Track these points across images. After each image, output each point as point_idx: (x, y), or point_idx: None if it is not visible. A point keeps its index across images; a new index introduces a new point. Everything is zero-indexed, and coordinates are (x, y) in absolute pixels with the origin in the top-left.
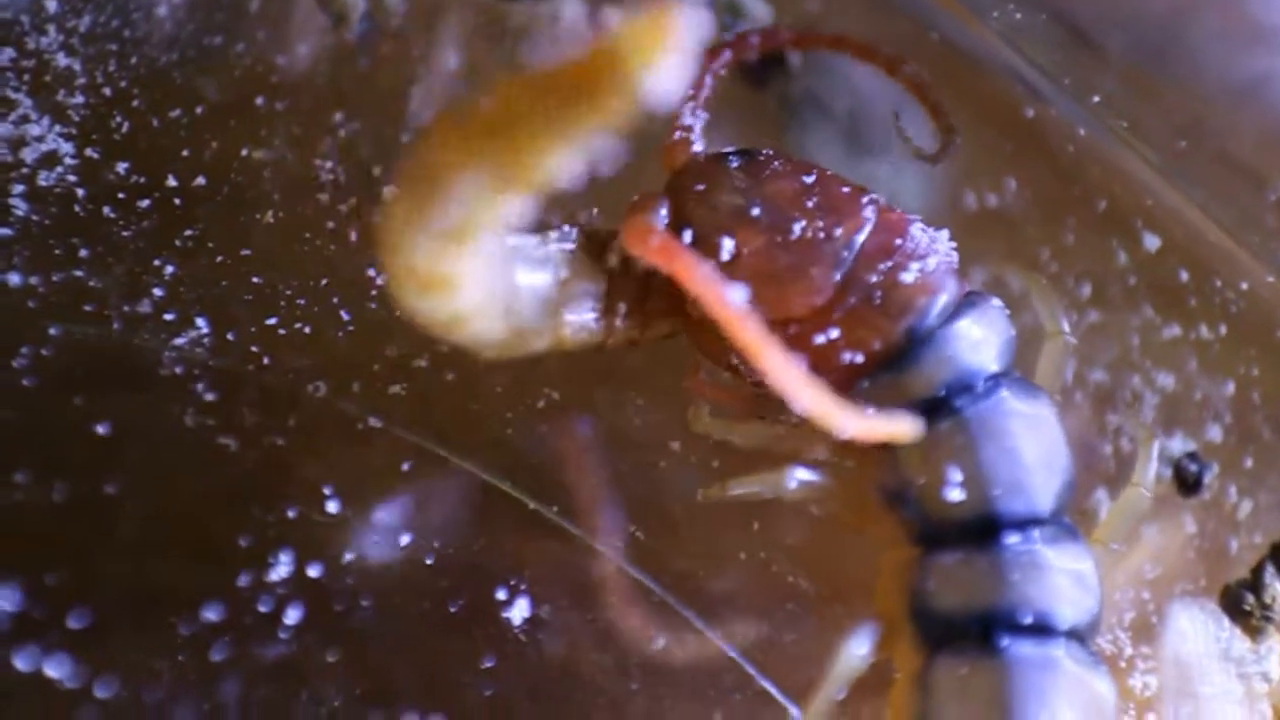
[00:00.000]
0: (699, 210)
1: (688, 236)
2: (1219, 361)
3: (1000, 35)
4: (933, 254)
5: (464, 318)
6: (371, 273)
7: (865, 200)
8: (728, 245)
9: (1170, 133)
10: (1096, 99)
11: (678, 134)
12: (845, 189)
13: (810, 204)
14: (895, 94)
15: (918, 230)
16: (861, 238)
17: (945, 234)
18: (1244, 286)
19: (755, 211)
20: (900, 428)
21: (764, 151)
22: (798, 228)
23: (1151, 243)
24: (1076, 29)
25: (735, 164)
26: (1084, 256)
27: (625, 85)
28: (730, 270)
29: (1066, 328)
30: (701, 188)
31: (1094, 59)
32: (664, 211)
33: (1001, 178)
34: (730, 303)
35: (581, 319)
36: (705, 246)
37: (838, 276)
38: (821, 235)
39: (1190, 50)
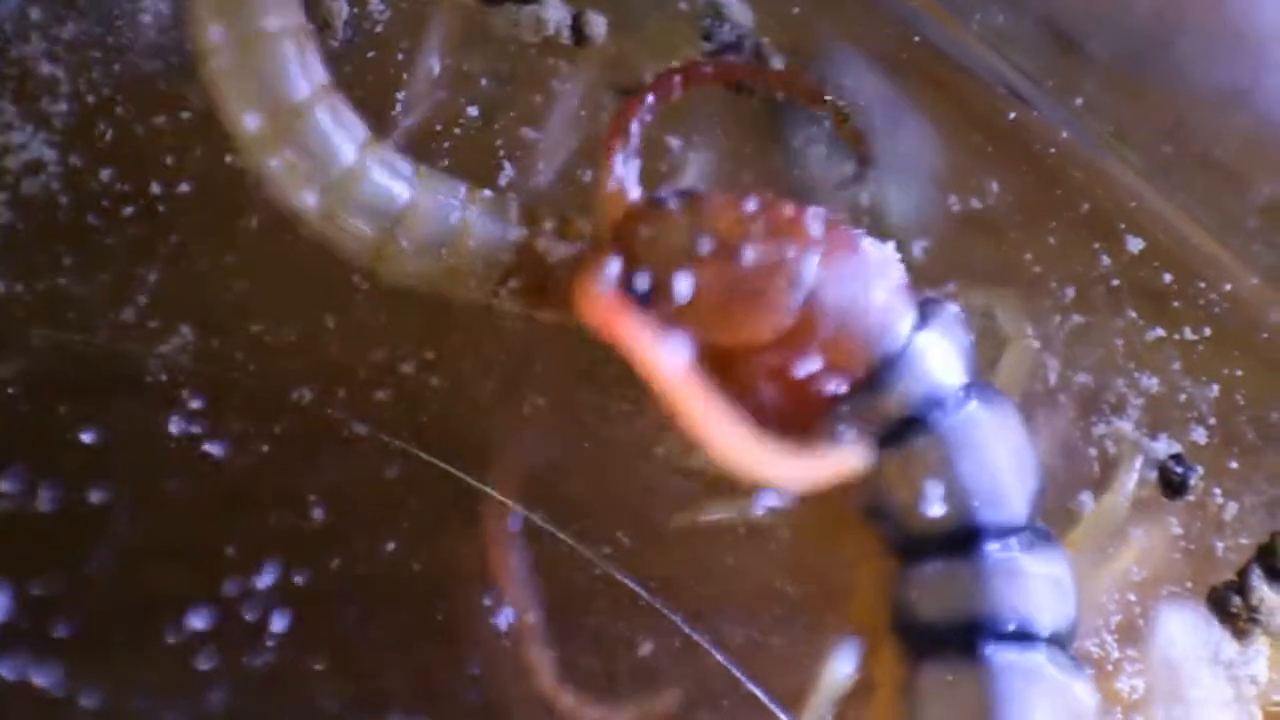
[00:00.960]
0: (649, 254)
1: (643, 282)
2: (1203, 364)
3: (983, 39)
4: (885, 267)
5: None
6: (357, 279)
7: (810, 217)
8: (684, 283)
9: (1153, 136)
10: (1079, 102)
11: (612, 184)
12: (788, 209)
13: (756, 229)
14: (882, 98)
15: (868, 244)
16: (815, 254)
17: (892, 245)
18: (1227, 289)
19: (704, 246)
20: (846, 462)
21: (698, 188)
22: (749, 253)
23: (1135, 245)
24: (1060, 32)
25: (674, 204)
26: (1067, 259)
27: None
28: (691, 307)
29: (1026, 328)
30: (647, 232)
31: (1077, 62)
32: (613, 267)
33: (984, 181)
34: (671, 370)
35: (414, 253)
36: (661, 289)
37: (799, 296)
38: (774, 257)
39: (1173, 55)
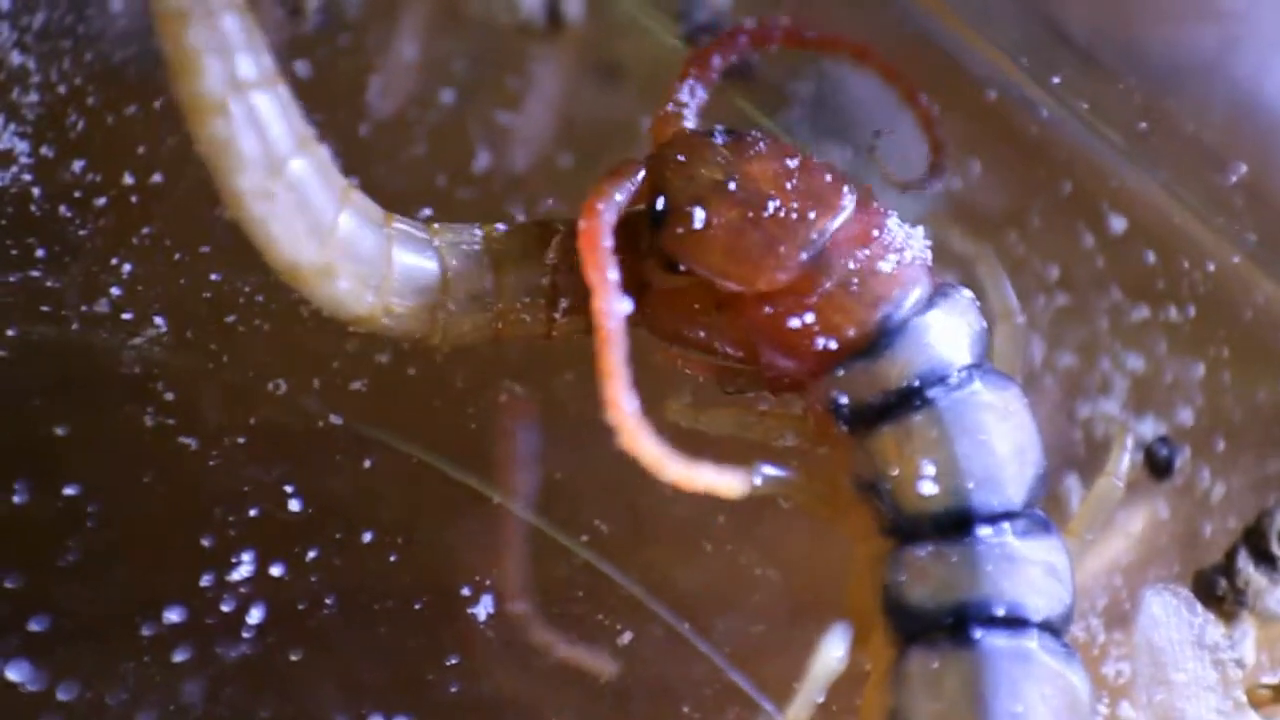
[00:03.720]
0: (676, 179)
1: (662, 203)
2: (1189, 343)
3: (960, 16)
4: (908, 248)
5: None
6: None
7: (845, 190)
8: (699, 215)
9: (1131, 114)
10: (1057, 80)
11: (671, 106)
12: (828, 177)
13: (789, 186)
14: (861, 80)
15: (894, 224)
16: (836, 224)
17: (921, 230)
18: (1211, 268)
19: (731, 186)
20: (727, 483)
21: (752, 133)
22: (771, 206)
23: (1118, 225)
24: (1036, 9)
25: (721, 140)
26: (1050, 240)
27: None
28: (700, 240)
29: (1017, 309)
30: (683, 159)
31: (1054, 39)
32: (629, 186)
33: (965, 161)
34: (609, 316)
35: (465, 311)
36: (678, 216)
37: (804, 256)
38: (794, 216)
39: (1146, 31)
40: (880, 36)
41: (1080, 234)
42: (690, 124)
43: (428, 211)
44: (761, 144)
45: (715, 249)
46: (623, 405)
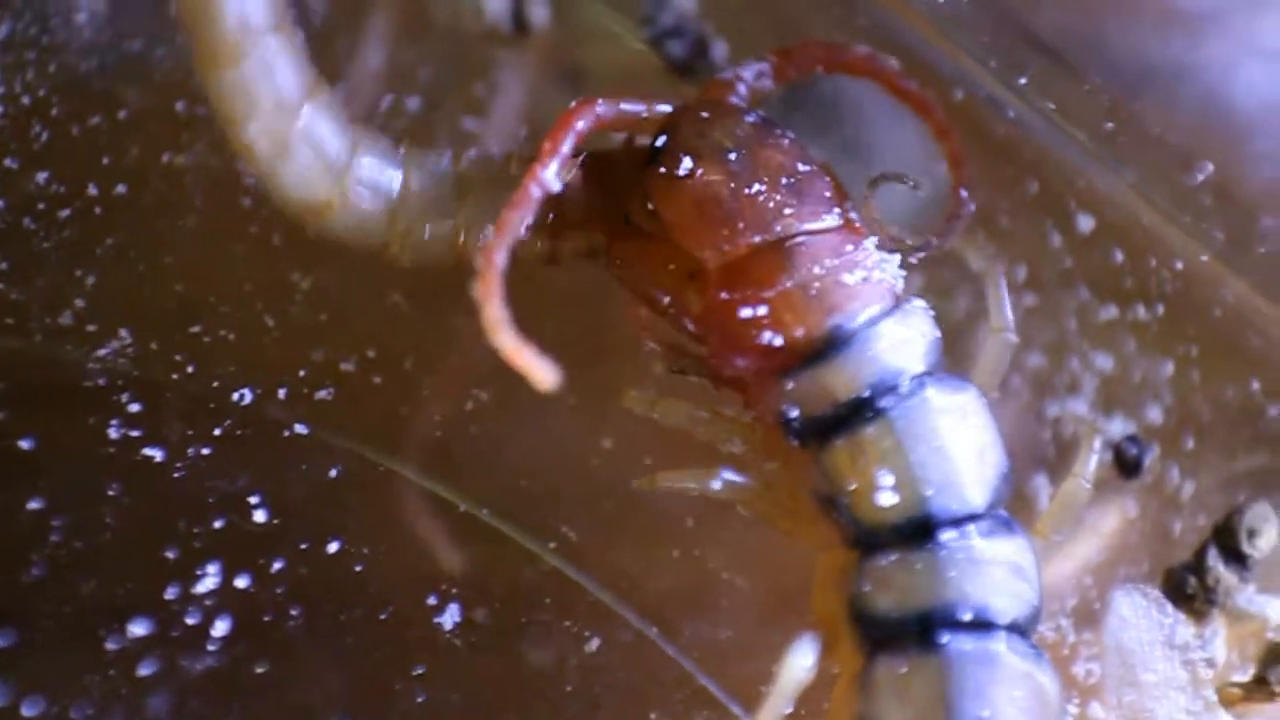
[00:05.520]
0: (687, 129)
1: (661, 140)
2: (1157, 342)
3: (926, 17)
4: (877, 270)
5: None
6: (296, 277)
7: (835, 209)
8: (686, 165)
9: (1098, 114)
10: (1023, 81)
11: (731, 74)
12: (826, 192)
13: (783, 181)
14: (833, 82)
15: (870, 246)
16: (807, 229)
17: (897, 258)
18: (1179, 266)
19: (731, 157)
20: (539, 373)
21: (783, 128)
22: (755, 188)
23: (1085, 224)
24: (1002, 10)
25: (749, 119)
26: (1018, 239)
27: None
28: (675, 187)
29: (1011, 325)
30: (706, 116)
31: (1020, 40)
32: (640, 108)
33: (933, 162)
34: (538, 181)
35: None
36: (670, 158)
37: (756, 239)
38: (770, 205)
39: (1113, 32)
40: (844, 37)
41: (1048, 233)
42: (736, 99)
43: None
44: (785, 139)
45: (683, 201)
46: (495, 257)
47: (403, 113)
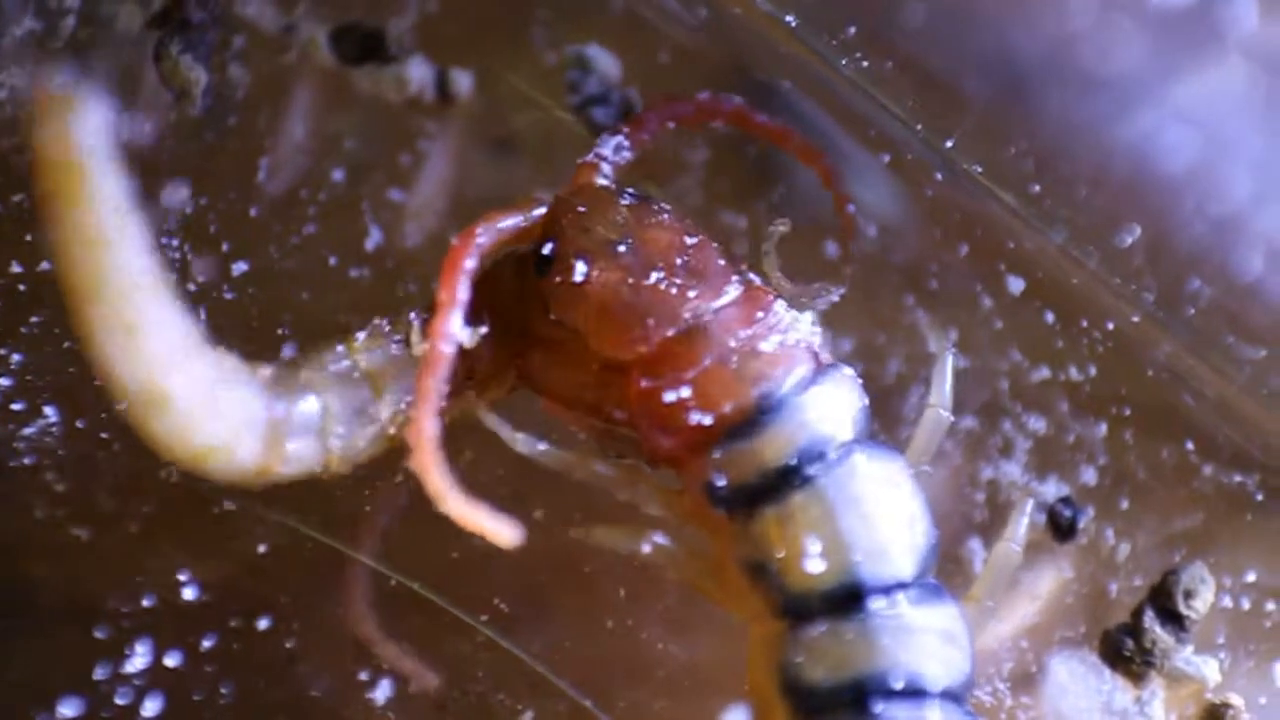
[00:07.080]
0: (570, 228)
1: (548, 248)
2: (1090, 403)
3: (852, 82)
4: (793, 330)
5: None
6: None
7: (734, 277)
8: (580, 269)
9: (1025, 176)
10: (949, 144)
11: (593, 156)
12: (720, 261)
13: (678, 261)
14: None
15: (780, 308)
16: (715, 306)
17: (809, 316)
18: (1110, 327)
19: (621, 249)
20: (502, 530)
21: (660, 203)
22: (654, 277)
23: (1015, 286)
24: (927, 74)
25: (626, 200)
26: (948, 302)
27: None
28: (575, 294)
29: (949, 404)
30: (584, 210)
31: (947, 103)
32: (517, 222)
33: (860, 225)
34: (442, 338)
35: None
36: (562, 264)
37: (671, 333)
38: (673, 292)
39: (1038, 95)
40: (769, 104)
41: (978, 295)
42: (604, 180)
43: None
44: (664, 215)
45: (588, 306)
46: (424, 428)
47: (327, 184)
